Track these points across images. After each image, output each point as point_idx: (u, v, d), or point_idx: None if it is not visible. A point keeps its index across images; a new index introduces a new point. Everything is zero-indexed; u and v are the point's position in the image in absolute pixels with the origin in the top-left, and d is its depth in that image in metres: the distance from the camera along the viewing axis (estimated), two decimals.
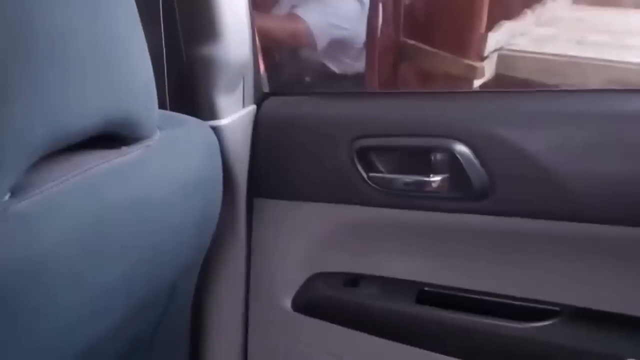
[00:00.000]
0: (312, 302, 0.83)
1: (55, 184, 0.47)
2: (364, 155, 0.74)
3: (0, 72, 0.41)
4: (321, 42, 1.70)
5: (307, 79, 1.76)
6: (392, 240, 0.78)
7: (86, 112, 0.48)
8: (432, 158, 0.72)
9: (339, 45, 1.72)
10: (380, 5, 1.65)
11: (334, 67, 1.75)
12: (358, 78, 1.74)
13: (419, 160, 0.72)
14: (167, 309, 0.69)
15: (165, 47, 0.70)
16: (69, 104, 0.46)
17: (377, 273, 0.80)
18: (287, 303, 0.84)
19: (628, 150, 0.64)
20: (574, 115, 0.67)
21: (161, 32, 0.70)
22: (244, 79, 0.77)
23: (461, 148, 0.69)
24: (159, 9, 0.70)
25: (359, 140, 0.74)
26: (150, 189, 0.57)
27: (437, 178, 0.71)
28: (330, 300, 0.82)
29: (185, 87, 0.73)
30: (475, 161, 0.69)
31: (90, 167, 0.51)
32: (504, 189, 0.69)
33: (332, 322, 0.82)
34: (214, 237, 0.71)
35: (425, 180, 0.71)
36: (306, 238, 0.81)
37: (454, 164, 0.70)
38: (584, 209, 0.66)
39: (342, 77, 1.75)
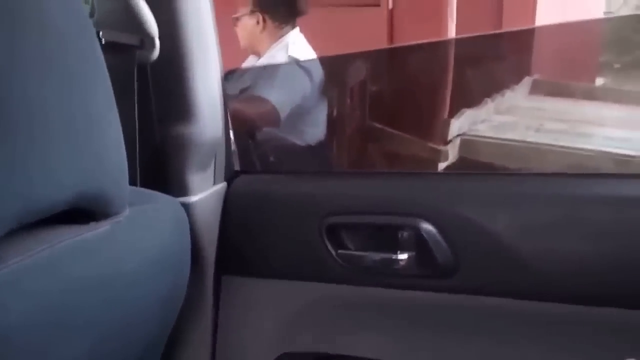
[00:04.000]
0: None
1: (22, 258, 0.47)
2: (333, 232, 0.75)
3: None
4: (283, 119, 1.76)
5: (272, 158, 1.80)
6: (361, 319, 0.78)
7: (57, 187, 0.48)
8: (400, 236, 0.73)
9: (296, 117, 1.79)
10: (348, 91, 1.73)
11: (296, 139, 1.80)
12: (321, 146, 1.79)
13: (386, 237, 0.74)
14: None
15: (139, 124, 0.72)
16: (40, 179, 0.47)
17: (347, 353, 0.79)
18: None
19: (588, 231, 0.66)
20: (537, 196, 0.70)
21: (135, 110, 0.72)
22: (215, 157, 0.79)
23: (427, 226, 0.71)
24: (134, 87, 0.72)
25: (328, 217, 0.75)
26: (119, 264, 0.57)
27: (404, 256, 0.72)
28: None
29: (157, 164, 0.74)
30: (441, 239, 0.70)
31: (58, 241, 0.51)
32: (469, 267, 0.70)
33: None
34: (180, 314, 0.70)
35: (393, 258, 0.73)
36: (275, 316, 0.80)
37: (420, 242, 0.71)
38: (549, 288, 0.67)
39: (306, 148, 1.80)
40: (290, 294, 0.79)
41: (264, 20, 2.02)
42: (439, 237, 0.70)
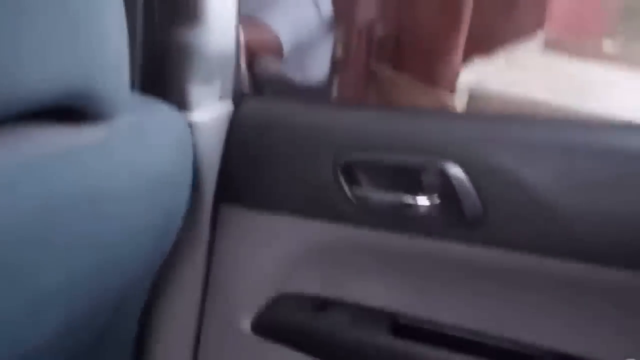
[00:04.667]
0: (273, 325, 0.75)
1: (2, 156, 0.40)
2: (348, 169, 0.68)
3: None
4: (287, 49, 1.66)
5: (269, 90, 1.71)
6: (369, 265, 0.71)
7: (45, 76, 0.41)
8: (422, 178, 0.66)
9: (301, 51, 1.68)
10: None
11: (298, 75, 1.70)
12: (323, 89, 1.70)
13: (407, 179, 0.67)
14: (112, 320, 0.60)
15: (144, 22, 0.63)
16: (25, 63, 0.39)
17: (350, 299, 0.73)
18: (246, 324, 0.76)
19: (626, 186, 0.60)
20: (576, 147, 0.63)
21: (137, 2, 0.63)
22: (223, 71, 0.70)
23: (455, 170, 0.64)
24: None
25: (345, 152, 0.68)
26: (111, 180, 0.49)
27: (426, 200, 0.66)
28: (294, 324, 0.75)
29: (158, 69, 0.66)
30: (469, 185, 0.64)
31: (42, 144, 0.43)
32: (497, 218, 0.64)
33: (295, 348, 0.74)
34: (173, 243, 0.64)
35: (414, 202, 0.66)
36: (274, 253, 0.74)
37: (445, 186, 0.64)
38: (583, 248, 0.61)
39: (307, 87, 1.70)
40: (295, 232, 0.72)
41: None
42: (467, 182, 0.64)
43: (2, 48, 0.37)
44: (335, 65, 1.74)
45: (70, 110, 0.45)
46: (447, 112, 0.78)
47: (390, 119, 0.72)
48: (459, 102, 1.77)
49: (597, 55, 2.08)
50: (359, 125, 0.70)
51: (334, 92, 1.74)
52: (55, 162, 0.44)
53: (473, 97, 1.78)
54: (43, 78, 0.40)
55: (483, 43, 1.85)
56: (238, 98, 0.74)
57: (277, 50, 1.65)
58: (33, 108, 0.42)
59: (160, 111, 0.58)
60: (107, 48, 0.46)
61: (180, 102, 0.65)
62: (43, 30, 0.40)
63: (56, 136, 0.45)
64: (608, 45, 2.21)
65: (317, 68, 1.71)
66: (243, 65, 0.78)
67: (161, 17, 0.64)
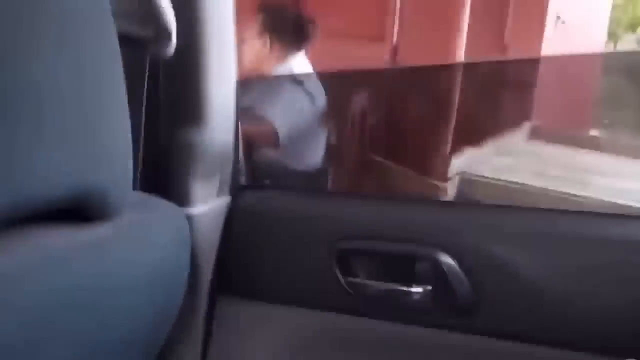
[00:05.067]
0: None
1: (7, 260, 0.41)
2: (344, 257, 0.69)
3: None
4: (282, 139, 1.71)
5: (267, 180, 1.75)
6: (366, 354, 0.71)
7: (56, 180, 0.43)
8: (416, 267, 0.68)
9: (296, 140, 1.74)
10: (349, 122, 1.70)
11: (294, 163, 1.75)
12: (319, 176, 1.74)
13: (401, 268, 0.68)
14: None
15: (145, 124, 0.66)
16: (38, 168, 0.41)
17: None
18: None
19: (621, 276, 0.62)
20: (565, 235, 0.65)
21: (142, 107, 0.66)
22: (222, 168, 0.73)
23: (447, 259, 0.66)
24: (144, 83, 0.66)
25: (340, 241, 0.70)
26: (111, 276, 0.51)
27: (419, 289, 0.67)
28: None
29: (160, 168, 0.69)
30: (461, 274, 0.65)
31: (50, 243, 0.45)
32: (490, 306, 0.65)
33: None
34: (169, 333, 0.64)
35: (407, 290, 0.67)
36: (271, 345, 0.74)
37: (438, 274, 0.66)
38: (575, 336, 0.62)
39: (303, 175, 1.75)
40: (291, 322, 0.73)
41: (271, 43, 2.00)
42: (459, 271, 0.65)
43: (19, 155, 0.40)
44: (330, 153, 1.79)
45: (75, 209, 0.47)
46: (438, 201, 0.81)
47: (383, 208, 0.74)
48: (452, 189, 1.81)
49: (584, 143, 2.15)
50: (353, 214, 0.73)
51: (329, 179, 1.78)
52: (57, 261, 0.46)
53: (465, 184, 1.82)
54: (52, 180, 0.43)
55: (473, 133, 1.92)
56: (235, 190, 0.76)
57: (273, 140, 1.71)
58: (41, 209, 0.44)
59: (160, 208, 0.60)
60: (113, 150, 0.48)
61: (181, 198, 0.67)
62: (52, 134, 0.42)
63: (60, 236, 0.47)
64: (594, 134, 2.29)
65: (312, 156, 1.76)
66: (241, 156, 0.81)
67: (165, 117, 0.68)
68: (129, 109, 0.51)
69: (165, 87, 0.67)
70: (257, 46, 1.99)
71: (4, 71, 0.38)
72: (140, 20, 0.62)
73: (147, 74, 0.65)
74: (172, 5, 0.63)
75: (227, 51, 0.69)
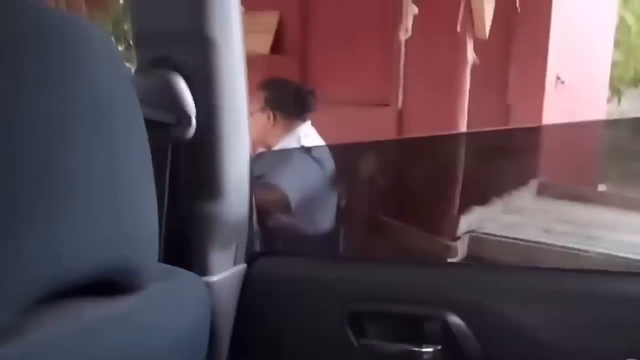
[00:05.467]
0: None
1: (45, 330, 0.45)
2: (356, 320, 0.73)
3: (11, 207, 0.41)
4: (294, 205, 1.76)
5: (284, 244, 1.79)
6: None
7: (90, 257, 0.47)
8: (426, 327, 0.71)
9: (307, 206, 1.79)
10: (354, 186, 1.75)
11: (305, 227, 1.79)
12: (331, 237, 1.78)
13: (412, 328, 0.72)
14: None
15: (168, 199, 0.72)
16: (75, 247, 0.46)
17: None
18: None
19: (630, 333, 0.64)
20: (572, 294, 0.68)
21: (165, 185, 0.72)
22: (238, 237, 0.78)
23: (455, 319, 0.69)
24: (167, 163, 0.72)
25: (351, 304, 0.73)
26: (141, 343, 0.55)
27: (430, 349, 0.70)
28: None
29: (181, 241, 0.73)
30: (470, 333, 0.68)
31: (83, 315, 0.49)
32: None
33: None
34: None
35: (417, 351, 0.70)
36: None
37: (447, 335, 0.69)
38: None
39: (316, 236, 1.79)
40: None
41: (275, 117, 2.08)
42: (468, 331, 0.68)
43: (58, 235, 0.44)
44: (341, 217, 1.84)
45: (107, 284, 0.52)
46: (445, 263, 0.85)
47: (392, 270, 0.78)
48: (461, 247, 1.83)
49: (592, 198, 2.17)
50: (364, 277, 0.77)
51: (341, 241, 1.82)
52: (93, 330, 0.49)
53: (474, 242, 1.84)
54: (90, 258, 0.47)
55: (481, 192, 1.96)
56: (250, 257, 0.81)
57: (285, 206, 1.76)
58: (77, 283, 0.48)
59: (182, 278, 0.64)
60: (141, 229, 0.53)
61: (200, 267, 0.72)
62: (92, 219, 0.47)
63: (92, 309, 0.50)
64: (602, 189, 2.31)
65: (324, 220, 1.80)
66: (255, 225, 0.86)
67: (186, 192, 0.73)
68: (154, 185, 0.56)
69: (186, 165, 0.73)
70: (263, 120, 2.08)
71: (43, 158, 0.43)
72: (163, 107, 0.68)
73: (170, 153, 0.71)
74: (191, 92, 0.69)
75: (241, 131, 0.75)
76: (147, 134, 0.55)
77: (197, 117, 0.70)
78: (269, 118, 2.09)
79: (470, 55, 2.07)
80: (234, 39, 0.71)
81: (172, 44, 0.69)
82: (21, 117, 0.42)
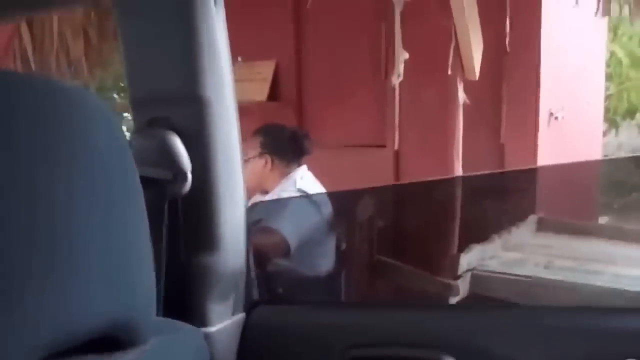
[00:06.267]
0: None
1: None
2: None
3: (7, 270, 0.42)
4: (293, 249, 1.78)
5: (284, 289, 1.79)
6: None
7: (92, 316, 0.48)
8: None
9: (306, 249, 1.80)
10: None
11: (305, 271, 1.80)
12: (331, 279, 1.78)
13: None
14: None
15: (167, 253, 0.74)
16: (77, 308, 0.47)
17: None
18: None
19: None
20: (569, 331, 0.69)
21: (163, 240, 0.74)
22: (236, 287, 0.80)
23: None
24: (164, 218, 0.74)
25: (350, 350, 0.74)
26: None
27: None
28: None
29: (180, 293, 0.75)
30: None
31: None
32: None
33: None
34: None
35: None
36: None
37: None
38: None
39: (317, 280, 1.80)
40: None
41: (272, 161, 2.12)
42: None
43: (58, 296, 0.45)
44: (341, 260, 1.85)
45: (106, 341, 0.52)
46: (444, 305, 0.86)
47: (390, 314, 0.79)
48: (463, 286, 1.84)
49: (592, 232, 2.18)
50: (363, 322, 0.78)
51: (342, 283, 1.82)
52: None
53: (476, 280, 1.85)
54: (89, 319, 0.48)
55: (480, 230, 1.97)
56: (249, 306, 0.82)
57: (284, 250, 1.77)
58: (77, 342, 0.49)
59: (181, 332, 0.65)
60: (139, 285, 0.54)
61: (199, 319, 0.73)
62: (90, 278, 0.48)
63: None
64: (603, 222, 2.32)
65: (323, 264, 1.82)
66: (252, 273, 0.88)
67: (184, 245, 0.75)
68: (152, 241, 0.57)
69: (183, 219, 0.75)
70: (260, 165, 2.12)
71: (38, 220, 0.44)
72: (160, 165, 0.71)
73: (166, 208, 0.73)
74: (186, 149, 0.72)
75: (236, 183, 0.78)
76: (145, 191, 0.56)
77: (192, 172, 0.72)
78: (266, 163, 2.12)
79: (462, 96, 2.12)
80: (226, 97, 0.74)
81: (167, 104, 0.73)
82: (17, 185, 0.43)
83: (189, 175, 0.72)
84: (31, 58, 3.28)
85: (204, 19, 0.72)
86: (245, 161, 2.14)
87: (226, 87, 0.74)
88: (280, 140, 2.15)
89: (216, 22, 0.73)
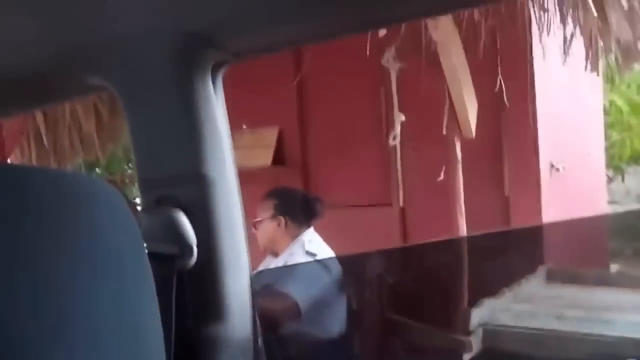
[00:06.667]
0: None
1: None
2: None
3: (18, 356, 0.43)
4: (304, 310, 1.79)
5: (296, 353, 1.79)
6: None
7: None
8: None
9: (315, 310, 1.81)
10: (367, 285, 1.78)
11: (316, 333, 1.80)
12: (342, 342, 1.78)
13: None
14: None
15: (176, 325, 0.76)
16: None
17: None
18: None
19: None
20: None
21: (171, 313, 0.76)
22: (244, 356, 0.82)
23: None
24: (172, 292, 0.77)
25: None
26: None
27: None
28: None
29: None
30: None
31: None
32: None
33: None
34: None
35: None
36: None
37: None
38: None
39: (329, 342, 1.79)
40: None
41: (286, 223, 2.16)
42: None
43: None
44: (352, 321, 1.85)
45: None
46: None
47: None
48: (475, 342, 1.83)
49: (602, 280, 2.17)
50: None
51: (355, 345, 1.82)
52: None
53: (488, 335, 1.84)
54: None
55: (489, 284, 1.98)
56: None
57: (295, 313, 1.79)
58: None
59: None
60: (148, 358, 0.57)
61: None
62: (92, 353, 0.48)
63: None
64: (614, 270, 2.31)
65: (334, 325, 1.82)
66: (260, 339, 0.90)
67: (192, 317, 0.78)
68: (161, 313, 0.60)
69: (190, 292, 0.78)
70: (273, 226, 2.16)
71: (48, 303, 0.45)
72: (167, 241, 0.75)
73: (175, 282, 0.77)
74: (192, 224, 0.76)
75: (240, 254, 0.81)
76: (153, 266, 0.59)
77: (197, 246, 0.76)
78: (279, 224, 2.16)
79: (459, 154, 2.17)
80: (227, 175, 0.79)
81: (172, 183, 0.77)
82: (23, 270, 0.44)
83: (195, 249, 0.76)
84: (44, 136, 3.38)
85: (204, 102, 0.77)
86: (259, 222, 2.18)
87: (227, 165, 0.79)
88: (292, 202, 2.20)
89: (216, 104, 0.78)
